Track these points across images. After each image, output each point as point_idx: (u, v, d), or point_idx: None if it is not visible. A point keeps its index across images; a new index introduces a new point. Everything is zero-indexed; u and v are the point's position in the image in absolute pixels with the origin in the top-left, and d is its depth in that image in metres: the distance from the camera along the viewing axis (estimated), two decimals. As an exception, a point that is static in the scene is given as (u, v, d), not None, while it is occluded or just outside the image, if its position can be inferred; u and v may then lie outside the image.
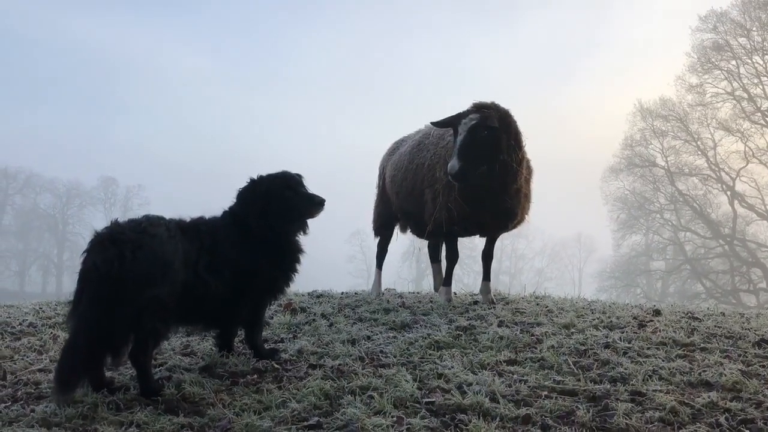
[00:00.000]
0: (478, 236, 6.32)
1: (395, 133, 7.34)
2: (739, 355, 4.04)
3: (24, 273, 58.11)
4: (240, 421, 2.86)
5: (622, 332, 4.59)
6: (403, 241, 7.46)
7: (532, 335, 4.46)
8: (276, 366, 3.77)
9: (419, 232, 6.69)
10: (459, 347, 4.18)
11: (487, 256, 6.25)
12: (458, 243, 6.29)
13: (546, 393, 3.26)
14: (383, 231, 7.19)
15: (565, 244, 65.06)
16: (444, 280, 6.38)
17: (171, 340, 4.30)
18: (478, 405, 3.03)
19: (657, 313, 5.55)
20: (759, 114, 34.80)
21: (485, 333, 4.50)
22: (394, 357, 3.93)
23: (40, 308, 5.87)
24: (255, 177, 4.00)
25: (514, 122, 5.59)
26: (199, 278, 3.44)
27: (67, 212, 60.80)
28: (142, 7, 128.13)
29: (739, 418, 2.97)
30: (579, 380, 3.46)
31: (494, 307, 5.70)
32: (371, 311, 5.45)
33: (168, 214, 3.57)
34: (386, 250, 7.29)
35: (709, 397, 3.19)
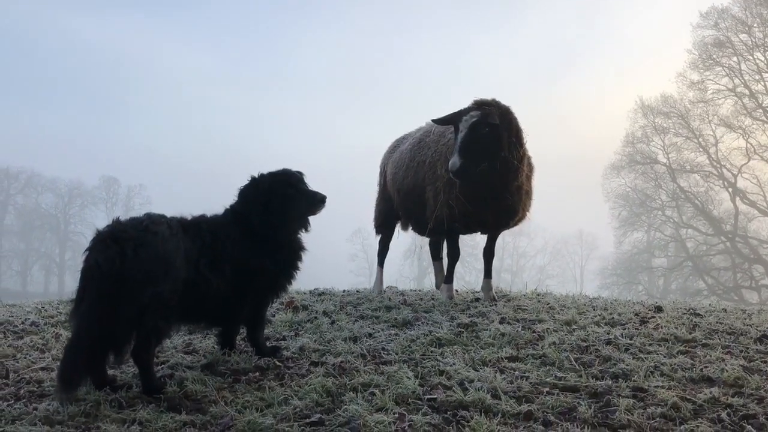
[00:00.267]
0: (479, 233, 6.32)
1: (396, 131, 7.35)
2: (741, 351, 4.04)
3: (26, 273, 58.22)
4: (242, 419, 2.86)
5: (624, 329, 4.59)
6: (404, 239, 7.47)
7: (534, 332, 4.46)
8: (278, 363, 3.77)
9: (420, 230, 6.69)
10: (461, 344, 4.18)
11: (489, 253, 6.25)
12: (459, 240, 6.29)
13: (548, 389, 3.27)
14: (384, 229, 7.20)
15: (566, 242, 65.02)
16: (445, 278, 6.38)
17: (173, 338, 4.30)
18: (480, 401, 3.04)
19: (659, 309, 5.55)
20: (760, 110, 34.75)
21: (487, 330, 4.50)
22: (396, 354, 3.93)
23: (42, 307, 5.88)
24: (256, 175, 4.00)
25: (515, 119, 5.59)
26: (200, 276, 3.44)
27: (69, 212, 60.91)
28: (144, 7, 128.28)
29: (740, 413, 2.97)
30: (581, 376, 3.46)
31: (496, 305, 5.70)
32: (373, 309, 5.45)
33: (170, 212, 3.58)
34: (388, 248, 7.29)
35: (710, 392, 3.19)
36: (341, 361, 3.76)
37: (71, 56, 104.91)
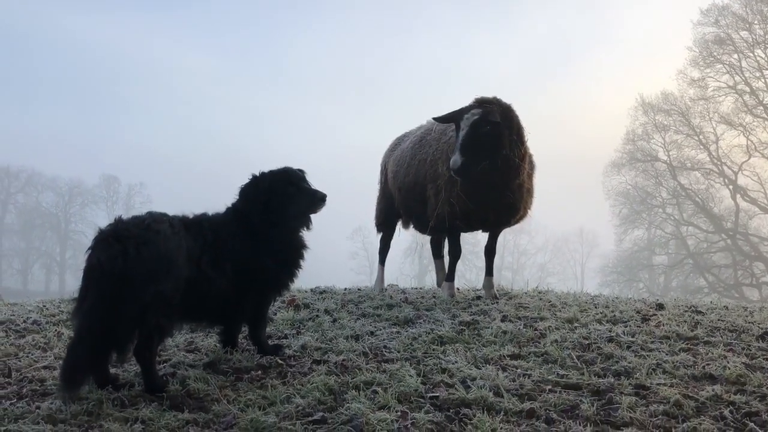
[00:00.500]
0: (480, 231, 6.32)
1: (397, 129, 7.35)
2: (743, 349, 4.04)
3: (27, 271, 58.26)
4: (245, 417, 2.86)
5: (626, 326, 4.59)
6: (405, 237, 7.47)
7: (536, 330, 4.46)
8: (280, 362, 3.78)
9: (422, 228, 6.69)
10: (462, 342, 4.18)
11: (490, 251, 6.25)
12: (461, 238, 6.29)
13: (550, 387, 3.27)
14: (386, 227, 7.20)
15: (567, 240, 65.06)
16: (447, 276, 6.38)
17: (175, 337, 4.30)
18: (482, 399, 3.04)
19: (660, 307, 5.55)
20: (761, 107, 34.71)
21: (488, 328, 4.50)
22: (398, 352, 3.93)
23: (44, 306, 5.88)
24: (257, 173, 4.00)
25: (516, 117, 5.59)
26: (202, 274, 3.45)
27: (70, 210, 60.94)
28: (144, 5, 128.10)
29: (743, 411, 2.98)
30: (583, 374, 3.46)
31: (497, 302, 5.70)
32: (374, 307, 5.45)
33: (170, 211, 3.58)
34: (389, 246, 7.29)
35: (713, 390, 3.19)
36: (343, 360, 3.76)
37: (71, 55, 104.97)
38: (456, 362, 3.67)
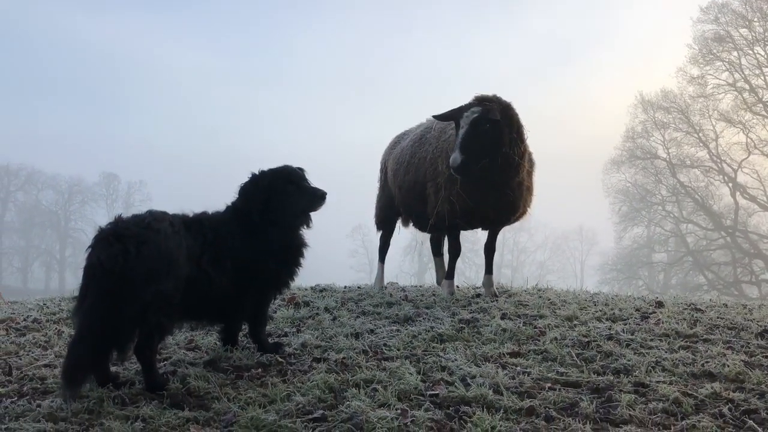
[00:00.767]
0: (480, 229, 6.33)
1: (396, 127, 7.35)
2: (742, 346, 4.05)
3: (27, 269, 58.27)
4: (245, 415, 2.87)
5: (625, 324, 4.60)
6: (405, 235, 7.48)
7: (535, 327, 4.47)
8: (280, 360, 3.79)
9: (421, 226, 6.69)
10: (462, 340, 4.19)
11: (490, 249, 6.25)
12: (460, 236, 6.29)
13: (549, 385, 3.28)
14: (385, 225, 7.19)
15: (566, 237, 65.05)
16: (446, 274, 6.39)
17: (175, 335, 4.31)
18: (482, 397, 3.05)
19: (660, 304, 5.55)
20: (761, 105, 34.68)
21: (488, 326, 4.51)
22: (398, 350, 3.94)
23: (44, 304, 5.89)
24: (257, 171, 4.00)
25: (516, 115, 5.58)
26: (203, 273, 3.45)
27: (69, 208, 60.95)
28: (144, 3, 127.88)
29: (742, 408, 2.98)
30: (582, 372, 3.47)
31: (497, 300, 5.71)
32: (374, 305, 5.46)
33: (170, 209, 3.58)
34: (388, 244, 7.29)
35: (712, 387, 3.20)
36: (343, 357, 3.77)
37: (71, 53, 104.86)
38: (456, 360, 3.67)
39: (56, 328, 4.68)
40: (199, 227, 3.57)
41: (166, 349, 4.08)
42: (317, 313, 5.11)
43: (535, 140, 5.84)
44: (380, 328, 4.55)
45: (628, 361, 3.66)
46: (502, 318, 4.79)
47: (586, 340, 4.12)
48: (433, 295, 6.22)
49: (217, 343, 4.10)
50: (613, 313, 5.00)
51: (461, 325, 4.57)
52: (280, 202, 3.88)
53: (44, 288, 52.39)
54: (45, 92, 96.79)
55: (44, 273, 59.59)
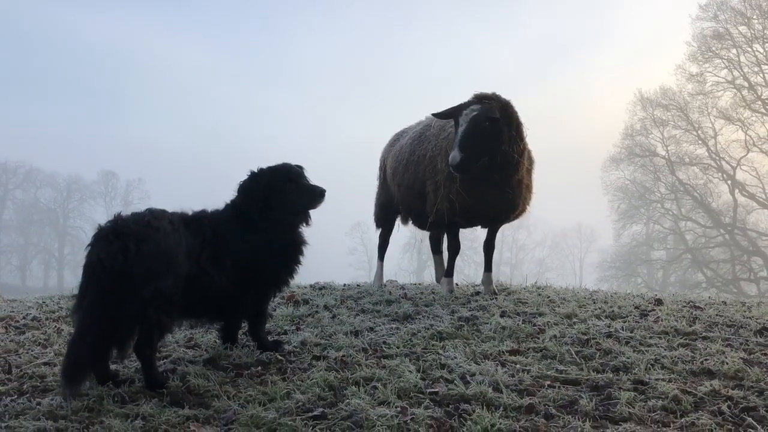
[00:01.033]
0: (479, 227, 6.33)
1: (396, 125, 7.34)
2: (741, 344, 4.06)
3: (25, 267, 58.23)
4: (245, 413, 2.87)
5: (624, 322, 4.60)
6: (404, 232, 7.48)
7: (535, 325, 4.47)
8: (280, 358, 3.79)
9: (421, 224, 6.69)
10: (461, 338, 4.19)
11: (489, 247, 6.26)
12: (459, 234, 6.29)
13: (549, 383, 3.28)
14: (384, 223, 7.20)
15: (565, 235, 65.12)
16: (446, 272, 6.39)
17: (175, 333, 4.31)
18: (482, 395, 3.05)
19: (659, 302, 5.56)
20: (759, 102, 34.69)
21: (488, 323, 4.51)
22: (397, 348, 3.94)
23: (44, 302, 5.89)
24: (256, 169, 4.00)
25: (516, 113, 5.58)
26: (202, 271, 3.45)
27: (68, 206, 60.89)
28: (143, 1, 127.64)
29: (741, 405, 2.99)
30: (582, 370, 3.48)
31: (496, 298, 5.71)
32: (373, 303, 5.46)
33: (169, 207, 3.58)
34: (388, 242, 7.30)
35: (711, 385, 3.20)
36: (343, 355, 3.77)
37: (70, 50, 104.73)
38: (455, 358, 3.68)
39: (56, 326, 4.67)
40: (198, 225, 3.57)
41: (165, 347, 4.08)
42: (317, 311, 5.11)
43: (534, 138, 5.85)
44: (380, 326, 4.55)
45: (628, 358, 3.66)
46: (501, 316, 4.79)
47: (586, 337, 4.13)
48: (433, 292, 6.22)
49: (217, 341, 4.11)
50: (612, 311, 5.01)
51: (461, 322, 4.57)
52: (279, 199, 3.88)
53: (43, 286, 52.35)
54: (43, 90, 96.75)
55: (43, 271, 59.55)
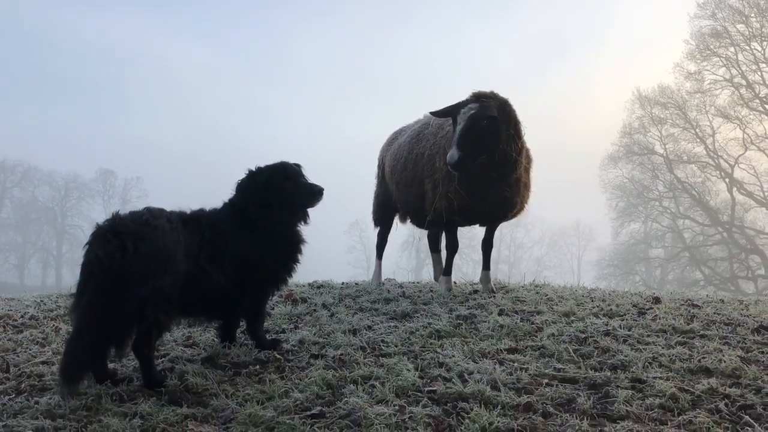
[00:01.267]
0: (477, 225, 6.33)
1: (394, 124, 7.34)
2: (739, 342, 4.06)
3: (23, 266, 58.17)
4: (243, 411, 2.87)
5: (622, 320, 4.61)
6: (402, 231, 7.48)
7: (533, 324, 4.48)
8: (278, 356, 3.79)
9: (419, 222, 6.69)
10: (460, 336, 4.19)
11: (487, 245, 6.26)
12: (458, 232, 6.30)
13: (547, 381, 3.28)
14: (383, 221, 7.20)
15: (564, 233, 65.18)
16: (444, 270, 6.39)
17: (173, 332, 4.31)
18: (480, 393, 3.05)
19: (656, 300, 5.57)
20: (757, 101, 34.71)
21: (486, 322, 4.52)
22: (396, 346, 3.94)
23: (42, 301, 5.89)
24: (254, 168, 4.00)
25: (514, 111, 5.59)
26: (201, 270, 3.45)
27: (66, 205, 60.80)
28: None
29: (738, 404, 2.99)
30: (579, 368, 3.48)
31: (494, 296, 5.72)
32: (372, 301, 5.46)
33: (167, 206, 3.58)
34: (386, 240, 7.30)
35: (708, 383, 3.21)
36: (341, 354, 3.77)
37: (67, 49, 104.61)
38: (453, 356, 3.68)
39: (54, 325, 4.67)
40: (196, 224, 3.57)
41: (163, 345, 4.08)
42: (315, 310, 5.12)
43: (532, 136, 5.86)
44: (378, 324, 4.55)
45: (625, 357, 3.67)
46: (499, 314, 4.80)
47: (583, 336, 4.13)
48: (431, 291, 6.22)
49: (215, 339, 4.10)
50: (610, 309, 5.02)
51: (459, 321, 4.58)
52: (277, 198, 3.88)
53: (41, 284, 52.30)
54: (41, 88, 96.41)
55: (41, 269, 59.48)
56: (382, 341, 4.07)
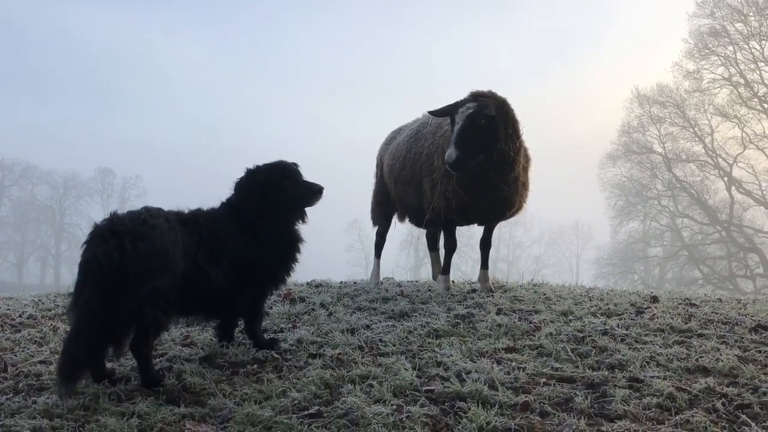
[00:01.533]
0: (476, 225, 6.33)
1: (393, 123, 7.35)
2: (736, 341, 4.07)
3: (22, 265, 58.14)
4: (241, 411, 2.87)
5: (620, 319, 4.61)
6: (401, 230, 7.48)
7: (531, 323, 4.48)
8: (276, 356, 3.79)
9: (417, 221, 6.69)
10: (458, 335, 4.19)
11: (485, 244, 6.27)
12: (456, 231, 6.30)
13: (544, 380, 3.29)
14: (381, 220, 7.20)
15: (562, 232, 65.21)
16: (442, 269, 6.40)
17: (171, 331, 4.31)
18: (477, 392, 3.05)
19: (654, 299, 5.57)
20: (756, 100, 34.74)
21: (484, 321, 4.52)
22: (393, 346, 3.95)
23: (40, 300, 5.88)
24: (252, 167, 4.00)
25: (512, 111, 5.59)
26: (199, 269, 3.45)
27: (65, 203, 60.75)
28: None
29: (735, 403, 2.99)
30: (577, 367, 3.48)
31: (492, 295, 5.72)
32: (370, 300, 5.46)
33: (165, 205, 3.57)
34: (385, 239, 7.30)
35: (706, 382, 3.21)
36: (339, 353, 3.77)
37: (65, 47, 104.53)
38: (451, 355, 3.68)
39: (52, 325, 4.67)
40: (195, 223, 3.56)
41: (161, 345, 4.08)
42: (313, 309, 5.12)
43: (531, 136, 5.86)
44: (376, 323, 4.56)
45: (623, 356, 3.67)
46: (497, 313, 4.80)
47: (581, 335, 4.14)
48: (429, 290, 6.22)
49: (213, 339, 4.10)
50: (608, 308, 5.02)
51: (457, 320, 4.58)
52: (276, 197, 3.88)
53: (39, 283, 52.25)
54: (40, 87, 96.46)
55: (39, 268, 59.44)
56: (380, 340, 4.07)
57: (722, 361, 3.56)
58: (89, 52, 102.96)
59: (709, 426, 2.74)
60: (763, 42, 34.02)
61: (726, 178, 35.75)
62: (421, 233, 7.45)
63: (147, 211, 3.36)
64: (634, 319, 4.61)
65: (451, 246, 6.26)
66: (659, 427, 2.74)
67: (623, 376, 3.34)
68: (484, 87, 5.58)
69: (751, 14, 33.92)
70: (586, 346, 3.91)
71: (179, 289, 3.32)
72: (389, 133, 7.23)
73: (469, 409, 2.88)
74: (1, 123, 69.45)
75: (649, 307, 5.09)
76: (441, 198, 5.79)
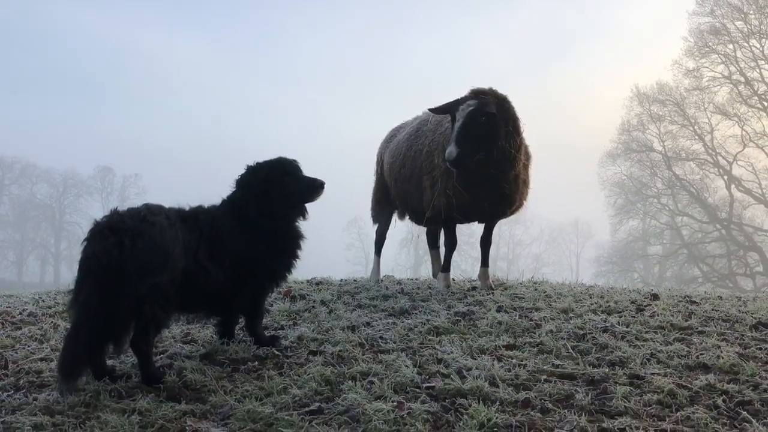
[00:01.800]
0: (476, 222, 6.33)
1: (393, 120, 7.33)
2: (737, 338, 4.07)
3: (21, 263, 58.13)
4: (241, 408, 2.87)
5: (620, 316, 4.62)
6: (401, 227, 7.47)
7: (531, 320, 4.48)
8: (277, 353, 3.79)
9: (417, 219, 6.69)
10: (458, 333, 4.20)
11: (486, 242, 6.27)
12: (456, 229, 6.29)
13: (545, 377, 3.29)
14: (381, 218, 7.19)
15: (562, 230, 65.27)
16: (442, 267, 6.39)
17: (171, 328, 4.31)
18: (478, 389, 3.05)
19: (655, 297, 5.57)
20: (756, 98, 34.75)
21: (484, 318, 4.52)
22: (394, 343, 3.95)
23: (40, 298, 5.88)
24: (253, 164, 3.99)
25: (512, 108, 5.58)
26: (199, 266, 3.44)
27: (64, 202, 60.73)
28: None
29: (736, 400, 3.00)
30: (578, 364, 3.48)
31: (493, 293, 5.72)
32: (370, 298, 5.47)
33: (165, 203, 3.57)
34: (385, 237, 7.29)
35: (706, 379, 3.21)
36: (339, 350, 3.77)
37: (65, 46, 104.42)
38: (452, 353, 3.68)
39: (52, 322, 4.67)
40: (195, 221, 3.56)
41: (162, 342, 4.08)
42: (313, 306, 5.12)
43: (531, 132, 5.85)
44: (376, 321, 4.56)
45: (623, 353, 3.67)
46: (497, 311, 4.80)
47: (582, 332, 4.14)
48: (429, 287, 6.22)
49: (214, 336, 4.10)
50: (609, 306, 5.02)
51: (457, 317, 4.58)
52: (277, 193, 3.87)
53: (39, 281, 52.23)
54: (39, 85, 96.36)
55: (39, 266, 59.42)
56: (381, 338, 4.07)
57: (723, 358, 3.56)
58: (89, 50, 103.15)
59: (710, 423, 2.75)
60: (763, 40, 34.03)
61: (726, 177, 35.76)
62: (422, 231, 7.45)
63: (147, 208, 3.36)
64: (634, 317, 4.61)
65: (452, 244, 6.25)
66: (660, 423, 2.74)
67: (624, 373, 3.34)
68: (484, 84, 5.57)
69: (751, 12, 33.94)
70: (586, 343, 3.91)
71: (179, 287, 3.31)
72: (389, 130, 7.22)
73: (470, 405, 2.88)
74: (0, 122, 69.44)
75: (650, 305, 5.09)
76: (441, 195, 5.79)
